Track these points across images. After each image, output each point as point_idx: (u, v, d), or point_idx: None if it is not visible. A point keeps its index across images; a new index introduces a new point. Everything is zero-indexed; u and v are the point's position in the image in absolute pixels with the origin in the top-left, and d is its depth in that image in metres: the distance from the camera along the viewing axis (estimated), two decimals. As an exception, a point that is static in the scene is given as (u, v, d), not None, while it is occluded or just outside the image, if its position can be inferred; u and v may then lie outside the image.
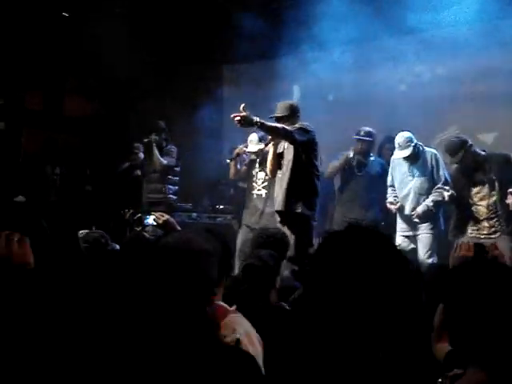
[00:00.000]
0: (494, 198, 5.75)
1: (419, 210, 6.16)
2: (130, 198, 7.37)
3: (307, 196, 5.45)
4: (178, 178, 7.37)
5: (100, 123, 9.02)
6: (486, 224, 5.80)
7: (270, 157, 5.77)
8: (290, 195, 5.42)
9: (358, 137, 6.85)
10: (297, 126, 5.41)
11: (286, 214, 5.44)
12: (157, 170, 7.23)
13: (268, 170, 5.93)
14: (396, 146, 6.20)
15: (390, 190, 6.45)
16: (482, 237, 5.71)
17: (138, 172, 7.76)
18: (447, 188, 5.91)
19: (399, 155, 6.19)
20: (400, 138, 6.16)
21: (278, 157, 5.70)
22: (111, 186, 7.75)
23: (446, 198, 5.88)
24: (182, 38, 8.47)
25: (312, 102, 8.15)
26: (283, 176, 5.52)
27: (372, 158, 6.95)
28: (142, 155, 7.72)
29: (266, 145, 5.86)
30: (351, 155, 6.91)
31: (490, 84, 7.34)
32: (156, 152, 7.16)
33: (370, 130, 6.87)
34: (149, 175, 7.32)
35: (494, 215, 5.77)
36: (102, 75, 8.56)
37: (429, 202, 6.14)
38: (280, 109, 5.62)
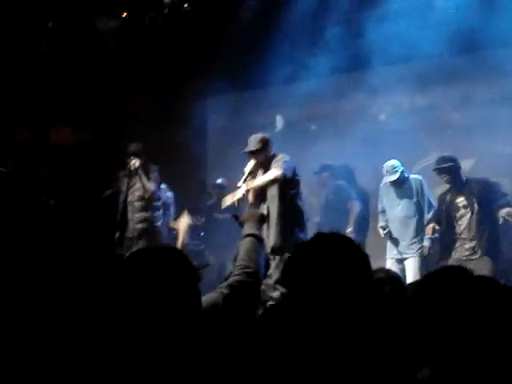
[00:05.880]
0: (474, 220, 6.03)
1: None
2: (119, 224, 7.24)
3: (299, 223, 5.50)
4: (160, 202, 7.01)
5: (87, 152, 9.05)
6: (466, 246, 6.06)
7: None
8: (283, 229, 5.42)
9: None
10: (279, 159, 5.41)
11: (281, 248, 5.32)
12: (145, 198, 6.88)
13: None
14: (384, 172, 6.59)
15: (380, 215, 6.79)
16: (464, 258, 5.92)
17: (122, 198, 7.41)
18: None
19: (387, 180, 6.57)
20: (387, 165, 6.56)
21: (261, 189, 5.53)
22: (97, 213, 7.52)
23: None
24: (170, 64, 8.59)
25: (295, 131, 8.38)
26: (271, 214, 5.43)
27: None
28: (125, 182, 7.15)
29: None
30: None
31: (466, 112, 7.56)
32: (143, 179, 6.83)
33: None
34: (132, 204, 6.89)
35: (473, 237, 6.02)
36: (89, 105, 8.64)
37: None
38: (252, 143, 5.57)
